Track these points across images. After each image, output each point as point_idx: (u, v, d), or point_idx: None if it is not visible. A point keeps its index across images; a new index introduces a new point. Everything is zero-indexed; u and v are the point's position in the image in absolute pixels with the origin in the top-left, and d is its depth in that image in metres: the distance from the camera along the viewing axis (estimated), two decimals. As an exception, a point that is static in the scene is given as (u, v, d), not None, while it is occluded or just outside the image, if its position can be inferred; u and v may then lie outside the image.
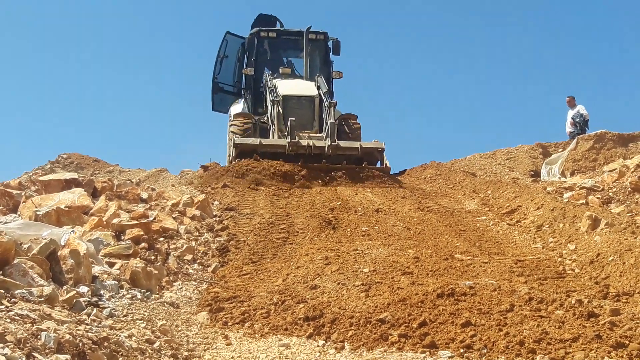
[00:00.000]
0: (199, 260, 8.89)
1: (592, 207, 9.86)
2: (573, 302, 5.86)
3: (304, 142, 14.60)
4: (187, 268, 8.50)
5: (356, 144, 14.98)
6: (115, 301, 6.36)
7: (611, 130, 15.20)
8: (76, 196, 10.12)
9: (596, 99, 37.88)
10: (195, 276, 8.30)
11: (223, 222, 10.55)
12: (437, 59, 42.86)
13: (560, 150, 16.08)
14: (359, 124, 16.66)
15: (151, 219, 9.52)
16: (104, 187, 11.26)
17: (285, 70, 16.97)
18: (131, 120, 39.60)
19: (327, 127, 14.59)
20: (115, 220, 8.94)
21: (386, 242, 8.79)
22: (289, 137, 14.55)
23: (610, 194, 10.81)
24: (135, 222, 8.95)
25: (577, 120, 17.25)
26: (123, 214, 9.41)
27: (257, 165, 13.83)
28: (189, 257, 8.82)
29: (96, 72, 40.79)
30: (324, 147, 14.51)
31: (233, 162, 14.50)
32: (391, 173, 15.32)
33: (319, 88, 15.96)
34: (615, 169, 11.77)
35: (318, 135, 15.17)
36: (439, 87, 41.91)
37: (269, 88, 16.25)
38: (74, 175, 11.87)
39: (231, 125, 16.33)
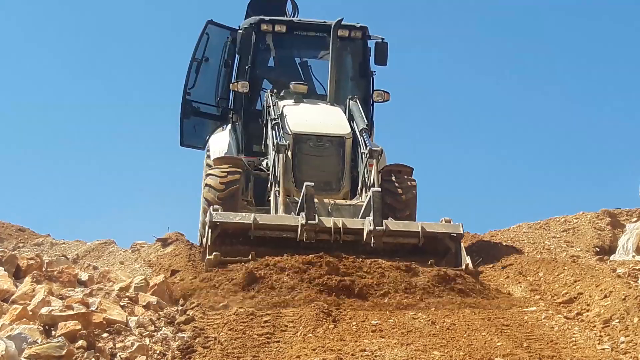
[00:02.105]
0: None
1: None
2: None
3: (328, 223, 11.60)
4: None
5: (415, 226, 12.04)
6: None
7: None
8: (-7, 277, 10.10)
9: None
10: None
11: (187, 313, 10.46)
12: (476, 96, 43.12)
13: (634, 219, 16.11)
14: (415, 181, 13.95)
15: (92, 308, 9.43)
16: (31, 265, 11.19)
17: (299, 89, 14.26)
18: (66, 177, 39.32)
19: (368, 196, 11.82)
20: (44, 310, 8.88)
21: (404, 340, 8.75)
22: (303, 213, 11.50)
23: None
24: (70, 312, 8.88)
25: None
26: (55, 302, 9.32)
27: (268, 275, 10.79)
28: (141, 359, 8.67)
29: (18, 115, 40.75)
30: (363, 230, 11.61)
31: (209, 243, 11.58)
32: None
33: (352, 120, 13.56)
34: None
35: (348, 203, 12.72)
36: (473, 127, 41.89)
37: (272, 119, 13.36)
38: (-10, 249, 11.88)
39: (208, 175, 13.50)
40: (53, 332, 8.46)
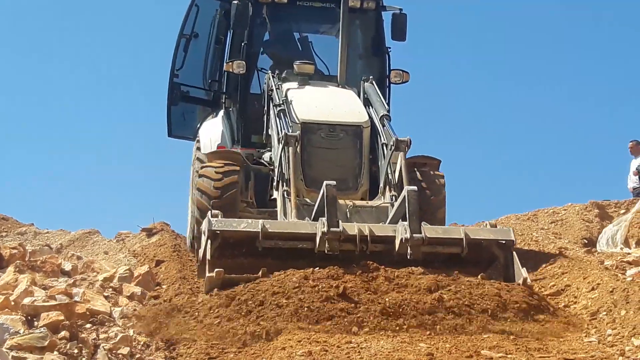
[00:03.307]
0: (138, 355, 8.78)
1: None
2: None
3: (353, 230, 9.55)
4: None
5: (457, 232, 9.96)
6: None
7: None
8: (-26, 267, 10.18)
9: None
10: None
11: (172, 302, 10.43)
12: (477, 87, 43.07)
13: (622, 211, 16.17)
14: (444, 178, 11.82)
15: (76, 298, 9.45)
16: (14, 254, 11.23)
17: (305, 69, 12.27)
18: (50, 165, 39.13)
19: (402, 197, 9.83)
20: (26, 300, 8.92)
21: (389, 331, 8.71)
22: (322, 218, 9.46)
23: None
24: (53, 302, 8.92)
25: None
26: (38, 292, 9.35)
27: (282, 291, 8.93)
28: (124, 350, 8.68)
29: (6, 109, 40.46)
30: (394, 238, 9.61)
31: (208, 257, 9.59)
32: None
33: (368, 105, 11.68)
34: None
35: (370, 205, 10.79)
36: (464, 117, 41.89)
37: (276, 104, 11.43)
38: (-28, 239, 11.93)
39: (201, 172, 11.48)
40: (36, 323, 8.48)
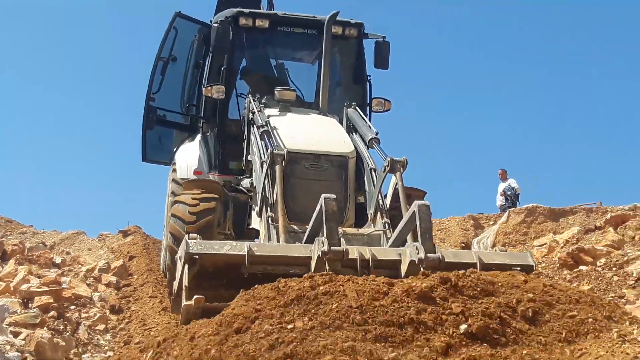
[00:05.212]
0: (112, 331, 8.74)
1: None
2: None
3: (353, 253, 6.22)
4: (98, 339, 8.38)
5: (470, 257, 6.70)
6: (15, 376, 6.15)
7: (543, 204, 15.64)
8: (-17, 260, 10.02)
9: (527, 173, 38.95)
10: (106, 347, 8.15)
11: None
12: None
13: (492, 222, 16.48)
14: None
15: (64, 285, 9.38)
16: (14, 250, 11.09)
17: (286, 95, 9.32)
18: (47, 178, 38.55)
19: (409, 213, 6.59)
20: (24, 287, 8.84)
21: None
22: (319, 238, 6.24)
23: (539, 269, 10.98)
24: (45, 288, 8.86)
25: (509, 193, 17.80)
26: (33, 280, 9.27)
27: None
28: (101, 327, 8.68)
29: (13, 131, 39.56)
30: (399, 263, 6.37)
31: (185, 284, 6.32)
32: None
33: (353, 131, 8.96)
34: (545, 244, 11.99)
35: (361, 232, 7.72)
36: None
37: (259, 126, 8.46)
38: (-20, 237, 11.67)
39: (177, 199, 8.81)
40: (30, 305, 8.42)
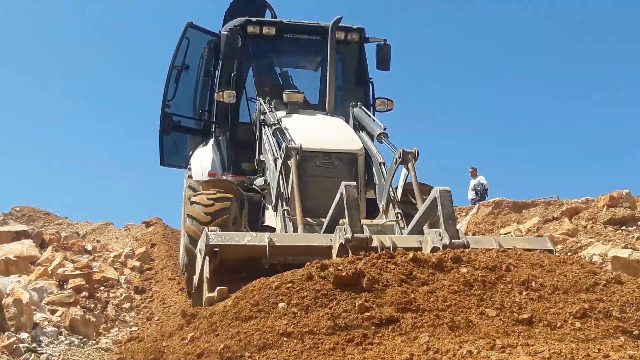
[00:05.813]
0: (136, 309, 8.94)
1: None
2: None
3: (374, 241, 5.57)
4: (124, 315, 8.54)
5: (489, 242, 5.91)
6: (53, 347, 6.39)
7: (508, 198, 15.90)
8: (25, 247, 10.17)
9: (496, 169, 38.64)
10: (131, 323, 8.33)
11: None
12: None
13: (464, 214, 16.69)
14: None
15: (94, 269, 9.55)
16: (52, 239, 11.26)
17: (295, 98, 8.97)
18: (81, 175, 39.05)
19: (430, 198, 5.89)
20: (60, 270, 8.99)
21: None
22: (341, 226, 5.74)
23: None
24: (78, 272, 9.00)
25: (479, 189, 18.04)
26: (68, 264, 9.41)
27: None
28: (127, 305, 8.88)
29: (49, 132, 39.84)
30: (420, 249, 5.61)
31: (207, 276, 5.64)
32: None
33: (360, 129, 8.54)
34: (510, 233, 12.22)
35: (375, 223, 7.15)
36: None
37: (269, 123, 8.14)
38: (23, 227, 11.90)
39: (193, 200, 8.18)
40: (65, 286, 8.57)
